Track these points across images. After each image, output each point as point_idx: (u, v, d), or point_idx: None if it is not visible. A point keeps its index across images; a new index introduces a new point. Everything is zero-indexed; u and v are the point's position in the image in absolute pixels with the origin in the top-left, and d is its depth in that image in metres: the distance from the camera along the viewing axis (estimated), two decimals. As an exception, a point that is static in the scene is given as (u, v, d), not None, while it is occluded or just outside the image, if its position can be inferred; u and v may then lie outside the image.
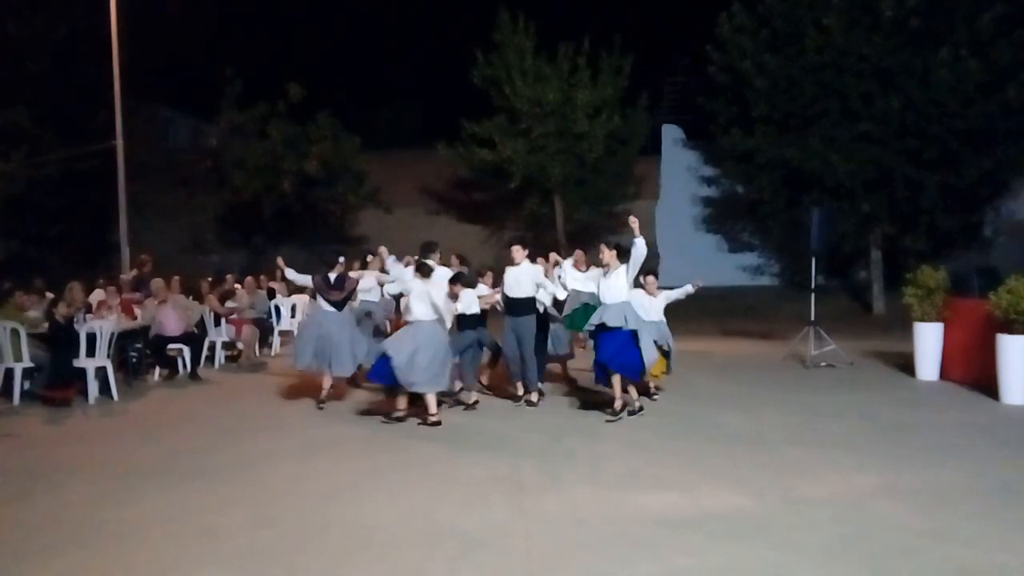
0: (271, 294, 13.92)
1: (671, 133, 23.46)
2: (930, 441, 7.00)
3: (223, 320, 11.87)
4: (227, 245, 23.54)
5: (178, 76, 25.46)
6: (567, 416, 8.20)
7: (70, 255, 21.00)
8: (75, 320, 9.28)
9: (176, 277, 11.30)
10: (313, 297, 9.30)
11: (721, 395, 9.17)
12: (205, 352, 11.42)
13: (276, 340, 13.52)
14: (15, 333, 8.86)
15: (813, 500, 5.34)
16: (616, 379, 7.76)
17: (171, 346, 10.68)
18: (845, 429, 7.50)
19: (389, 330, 9.39)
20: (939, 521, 4.93)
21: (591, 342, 8.34)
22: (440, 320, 7.79)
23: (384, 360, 7.59)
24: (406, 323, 7.86)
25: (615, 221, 22.37)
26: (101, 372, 9.21)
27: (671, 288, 9.07)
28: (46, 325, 9.34)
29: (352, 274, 9.10)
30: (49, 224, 21.06)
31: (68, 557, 4.49)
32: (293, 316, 13.85)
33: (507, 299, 8.58)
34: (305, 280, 8.91)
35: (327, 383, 8.66)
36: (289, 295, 14.11)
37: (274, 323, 13.58)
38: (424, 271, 7.79)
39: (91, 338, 9.06)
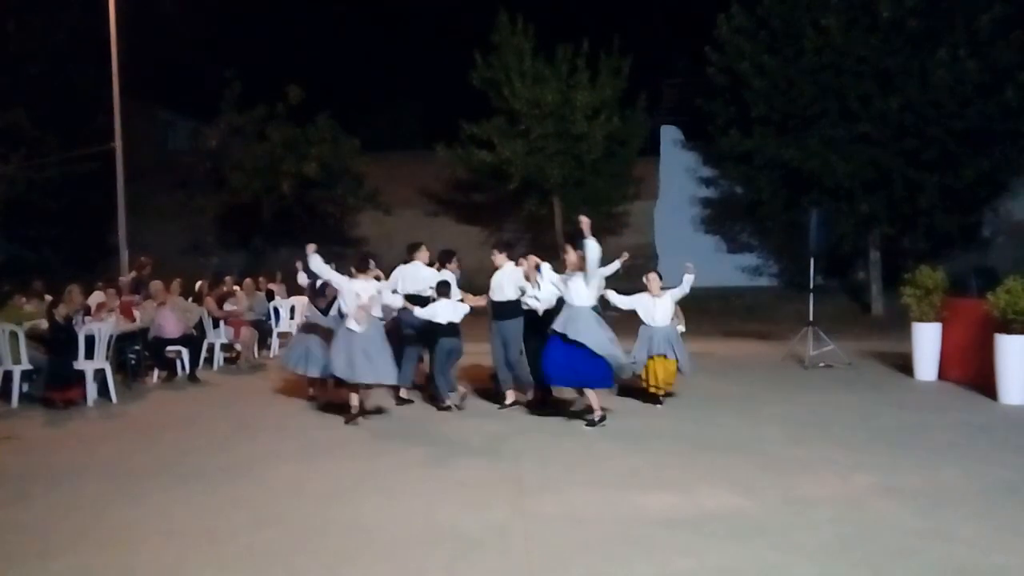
0: (270, 296, 13.92)
1: (670, 134, 23.47)
2: (929, 441, 7.01)
3: (222, 322, 11.87)
4: (226, 247, 23.55)
5: (177, 78, 25.51)
6: (566, 417, 8.20)
7: (69, 257, 21.01)
8: (74, 322, 9.28)
9: (177, 280, 11.29)
10: (312, 300, 9.32)
11: (720, 396, 9.18)
12: (204, 354, 11.42)
13: (275, 342, 13.51)
14: (14, 336, 8.86)
15: (812, 500, 5.34)
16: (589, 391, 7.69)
17: (170, 348, 10.67)
18: (844, 429, 7.51)
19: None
20: (938, 521, 4.93)
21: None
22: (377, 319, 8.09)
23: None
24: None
25: (614, 222, 22.43)
26: (100, 374, 9.20)
27: (672, 287, 8.99)
28: (45, 325, 9.33)
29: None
30: (48, 226, 21.07)
31: (68, 559, 4.49)
32: (292, 318, 13.84)
33: (491, 303, 8.58)
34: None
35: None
36: (288, 297, 14.12)
37: (273, 325, 13.57)
38: (360, 268, 8.13)
39: (90, 340, 9.05)
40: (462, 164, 21.73)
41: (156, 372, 10.74)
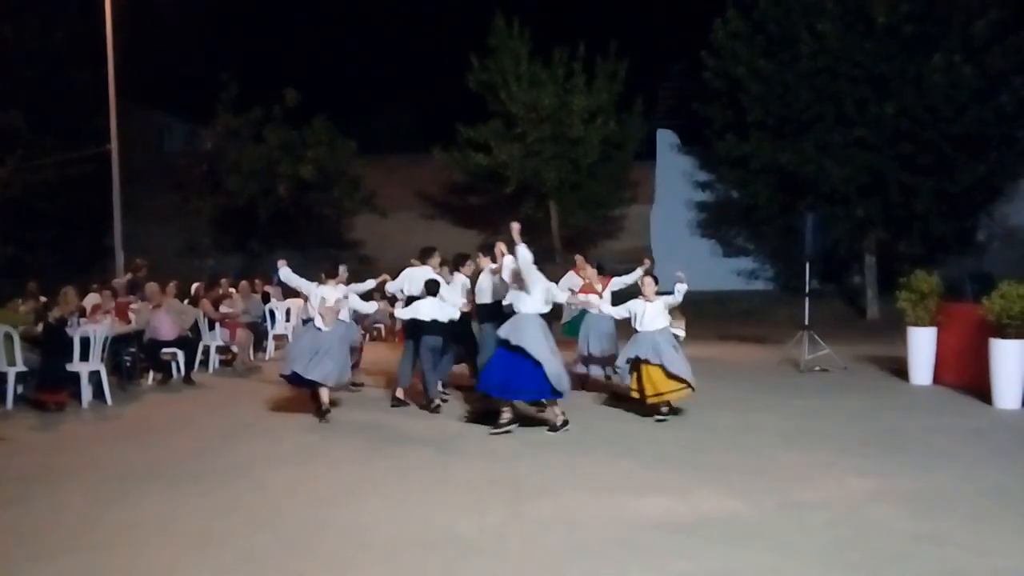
0: (265, 298, 13.91)
1: (666, 138, 23.50)
2: (924, 445, 7.03)
3: (218, 324, 11.86)
4: (222, 249, 23.54)
5: (174, 80, 25.50)
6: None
7: (65, 259, 20.96)
8: (69, 324, 9.26)
9: (173, 282, 11.27)
10: None
11: (716, 399, 9.17)
12: (200, 356, 11.39)
13: (271, 344, 13.51)
14: (8, 337, 8.83)
15: (808, 504, 5.35)
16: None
17: (165, 350, 10.65)
18: (839, 433, 7.52)
19: (384, 335, 9.38)
20: (933, 525, 4.95)
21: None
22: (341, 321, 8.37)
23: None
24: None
25: (611, 226, 22.46)
26: (95, 376, 9.18)
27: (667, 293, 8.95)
28: (40, 327, 9.31)
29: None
30: (44, 228, 21.03)
31: (63, 562, 4.47)
32: (288, 320, 13.83)
33: (477, 307, 8.57)
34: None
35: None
36: (284, 299, 14.10)
37: (268, 327, 13.57)
38: (330, 274, 8.51)
39: (85, 342, 9.02)
40: (458, 167, 21.75)
41: (151, 374, 10.71)
